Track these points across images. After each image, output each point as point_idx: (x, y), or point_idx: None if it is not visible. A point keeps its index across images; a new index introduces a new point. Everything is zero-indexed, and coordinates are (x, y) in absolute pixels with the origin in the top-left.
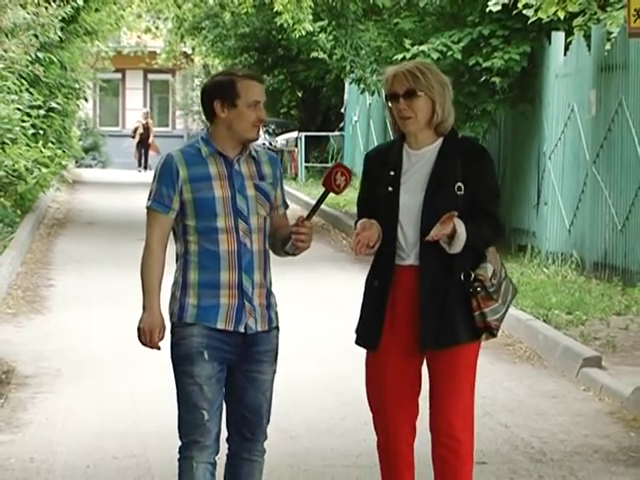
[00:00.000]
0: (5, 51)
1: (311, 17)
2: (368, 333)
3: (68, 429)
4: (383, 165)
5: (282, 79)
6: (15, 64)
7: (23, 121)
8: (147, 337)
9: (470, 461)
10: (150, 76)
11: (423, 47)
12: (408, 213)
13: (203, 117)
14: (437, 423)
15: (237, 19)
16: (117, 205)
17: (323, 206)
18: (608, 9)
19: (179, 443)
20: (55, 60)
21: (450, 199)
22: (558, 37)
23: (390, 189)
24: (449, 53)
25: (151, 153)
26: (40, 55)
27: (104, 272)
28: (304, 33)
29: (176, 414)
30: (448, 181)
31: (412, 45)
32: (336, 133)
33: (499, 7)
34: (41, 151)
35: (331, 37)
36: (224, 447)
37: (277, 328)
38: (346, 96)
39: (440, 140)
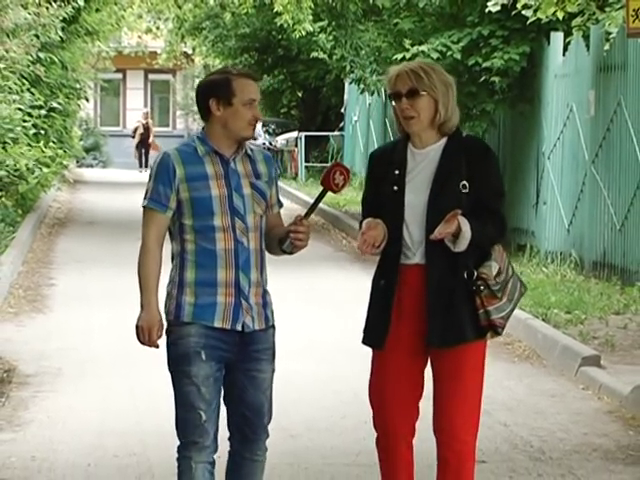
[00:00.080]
0: (6, 51)
1: (311, 17)
2: (374, 332)
3: (69, 428)
4: (388, 164)
5: (282, 79)
6: (16, 64)
7: (24, 121)
8: (145, 335)
9: (472, 461)
10: (151, 76)
11: (423, 47)
12: (413, 212)
13: None
14: (440, 423)
15: (237, 19)
16: (118, 205)
17: (323, 206)
18: (607, 9)
19: (178, 442)
20: (56, 60)
21: (455, 197)
22: (557, 37)
23: (395, 188)
24: (449, 53)
25: (152, 153)
26: (41, 55)
27: (105, 271)
28: (304, 33)
29: None
30: (453, 180)
31: (412, 45)
32: (336, 133)
33: (498, 7)
34: (42, 151)
35: (331, 37)
36: (223, 446)
37: (273, 327)
38: (346, 96)
39: (444, 139)
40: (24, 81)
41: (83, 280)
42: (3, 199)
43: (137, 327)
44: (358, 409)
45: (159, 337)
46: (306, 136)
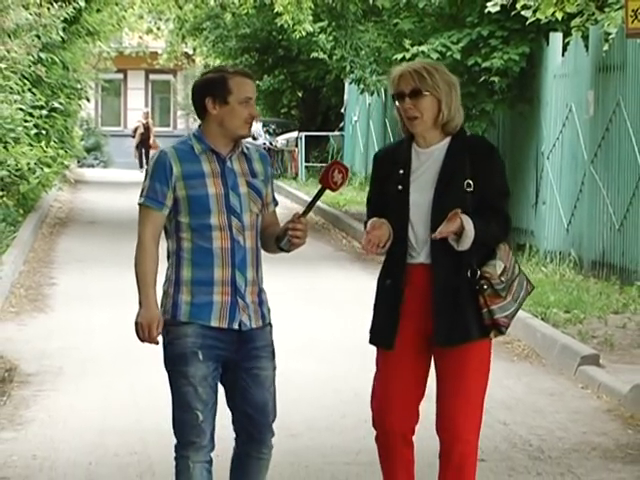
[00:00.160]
0: (8, 51)
1: (311, 18)
2: (383, 332)
3: (70, 426)
4: (392, 164)
5: (282, 79)
6: (18, 64)
7: (26, 121)
8: (145, 332)
9: (474, 460)
10: (151, 76)
11: (423, 47)
12: (418, 211)
13: None
14: (443, 423)
15: (238, 20)
16: (119, 204)
17: (323, 205)
18: (606, 10)
19: (175, 441)
20: (57, 60)
21: (460, 196)
22: (556, 38)
23: (400, 188)
24: (448, 53)
25: (153, 152)
26: (42, 55)
27: (106, 271)
28: (304, 34)
29: None
30: (457, 179)
31: (412, 45)
32: (336, 133)
33: (498, 8)
34: (44, 151)
35: (331, 38)
36: (222, 444)
37: (270, 324)
38: (346, 96)
39: (448, 138)
40: (25, 81)
41: (84, 279)
42: (4, 199)
43: (136, 324)
44: (358, 408)
45: (159, 333)
46: (306, 136)
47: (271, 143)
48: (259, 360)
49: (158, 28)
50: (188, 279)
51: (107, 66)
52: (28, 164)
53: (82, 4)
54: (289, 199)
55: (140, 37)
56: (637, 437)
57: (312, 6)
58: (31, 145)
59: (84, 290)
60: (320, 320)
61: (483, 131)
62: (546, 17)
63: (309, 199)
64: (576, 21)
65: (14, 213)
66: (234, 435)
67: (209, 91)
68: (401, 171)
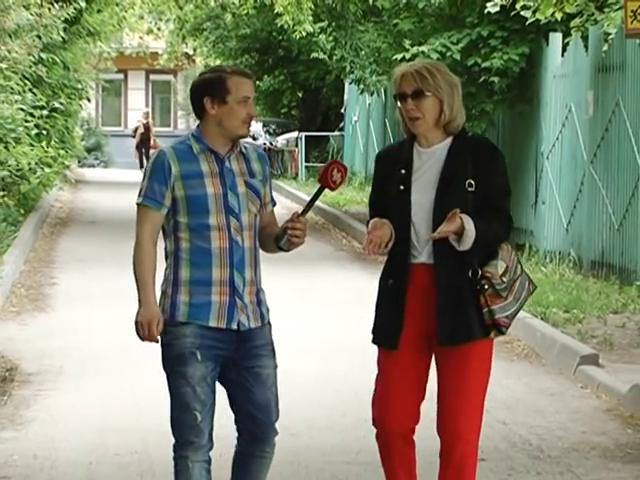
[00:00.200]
0: (8, 52)
1: (311, 18)
2: (386, 332)
3: (71, 426)
4: (394, 164)
5: (282, 80)
6: (18, 65)
7: (26, 121)
8: (145, 330)
9: (475, 460)
10: (152, 77)
11: (422, 48)
12: (420, 211)
13: None
14: (444, 423)
15: (238, 20)
16: (119, 204)
17: (323, 205)
18: (605, 10)
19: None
20: (58, 61)
21: (461, 196)
22: (556, 38)
23: (402, 187)
24: (448, 54)
25: (153, 152)
26: (43, 56)
27: (106, 271)
28: (304, 34)
29: None
30: (459, 178)
31: (411, 46)
32: (336, 133)
33: (497, 8)
34: (44, 151)
35: (331, 38)
36: (222, 443)
37: (269, 324)
38: (346, 96)
39: (450, 138)
40: (26, 81)
41: (85, 279)
42: (5, 199)
43: (136, 323)
44: (358, 407)
45: (159, 331)
46: (306, 136)
47: (271, 143)
48: (260, 359)
49: (158, 28)
50: (186, 279)
51: (108, 66)
52: (29, 164)
53: (83, 4)
54: (289, 199)
55: (140, 37)
56: (636, 437)
57: (312, 6)
58: (32, 145)
59: (85, 290)
60: (320, 320)
61: (483, 131)
62: (546, 17)
63: (309, 199)
64: (576, 21)
65: (15, 213)
66: (235, 434)
67: (207, 91)
68: (403, 171)
